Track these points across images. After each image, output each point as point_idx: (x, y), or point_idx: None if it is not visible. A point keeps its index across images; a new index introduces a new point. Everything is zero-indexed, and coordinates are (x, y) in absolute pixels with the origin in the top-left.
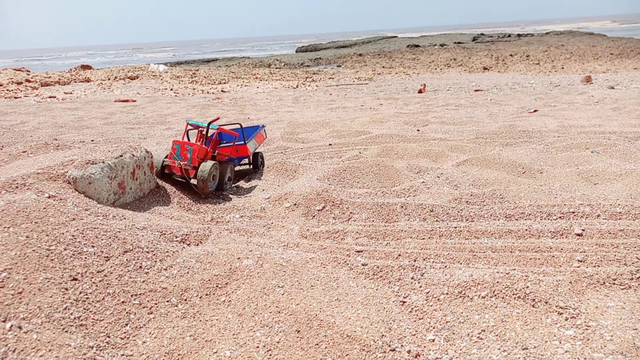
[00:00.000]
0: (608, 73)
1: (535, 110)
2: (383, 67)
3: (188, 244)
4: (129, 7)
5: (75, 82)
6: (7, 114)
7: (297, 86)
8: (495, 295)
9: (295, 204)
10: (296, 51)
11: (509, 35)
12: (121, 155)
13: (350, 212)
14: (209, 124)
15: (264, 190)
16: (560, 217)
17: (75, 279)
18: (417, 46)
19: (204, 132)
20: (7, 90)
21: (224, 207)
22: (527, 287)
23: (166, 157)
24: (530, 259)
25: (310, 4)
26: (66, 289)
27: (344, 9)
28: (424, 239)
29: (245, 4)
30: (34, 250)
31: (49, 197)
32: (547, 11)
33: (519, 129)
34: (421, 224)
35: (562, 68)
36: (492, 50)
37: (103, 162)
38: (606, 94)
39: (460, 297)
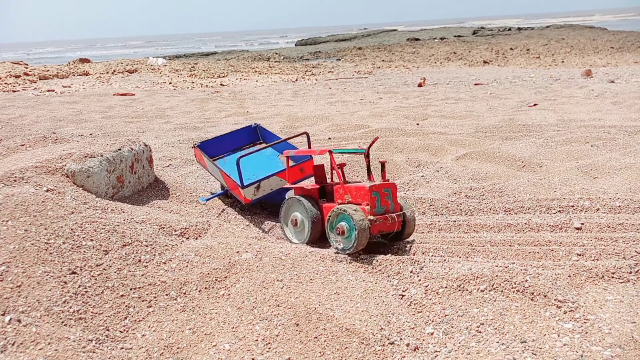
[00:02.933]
0: (608, 67)
1: (535, 104)
2: (383, 60)
3: (187, 238)
4: (128, 1)
5: (74, 75)
6: (5, 107)
7: (296, 80)
8: (494, 289)
9: None
10: (295, 44)
11: (510, 29)
12: (120, 149)
13: None
14: (368, 148)
15: None
16: (559, 211)
17: (74, 273)
18: (417, 40)
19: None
20: (5, 83)
21: (223, 201)
22: (526, 280)
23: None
24: (530, 252)
25: None
26: (65, 283)
27: (344, 2)
28: (423, 232)
29: None
30: (32, 244)
31: (47, 191)
32: (556, 4)
33: (519, 122)
34: (420, 218)
35: (563, 62)
36: (493, 43)
37: (101, 155)
38: (606, 88)
39: (459, 290)
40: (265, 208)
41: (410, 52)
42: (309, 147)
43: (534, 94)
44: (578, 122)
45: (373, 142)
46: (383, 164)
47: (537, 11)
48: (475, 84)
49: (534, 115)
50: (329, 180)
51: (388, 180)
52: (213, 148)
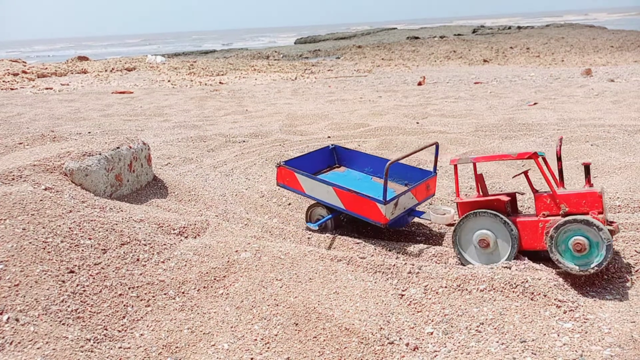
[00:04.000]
0: (608, 66)
1: (535, 103)
2: (382, 59)
3: (186, 237)
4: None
5: (72, 73)
6: (3, 105)
7: (295, 78)
8: (493, 289)
9: (293, 197)
10: (295, 43)
11: (509, 28)
12: (118, 147)
13: None
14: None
15: (262, 183)
16: None
17: (72, 272)
18: (417, 38)
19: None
20: (3, 81)
21: (222, 200)
22: (526, 280)
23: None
24: (529, 252)
25: None
26: (63, 282)
27: (344, 0)
28: (424, 231)
29: None
30: (30, 243)
31: (45, 189)
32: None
33: (519, 121)
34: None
35: (562, 61)
36: (492, 42)
37: (100, 154)
38: (606, 87)
39: (459, 290)
40: (263, 210)
41: (410, 51)
42: (436, 159)
43: (533, 93)
44: (578, 121)
45: (561, 143)
46: (588, 167)
47: (536, 10)
48: (475, 83)
49: (534, 114)
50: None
51: (593, 185)
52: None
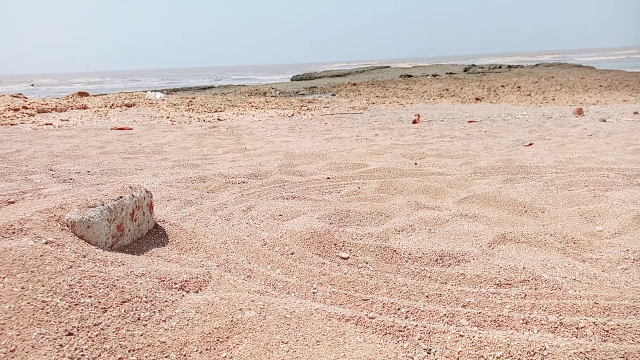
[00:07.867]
0: (598, 105)
1: (530, 144)
2: (377, 96)
3: (187, 291)
4: (126, 36)
5: (72, 109)
6: (2, 141)
7: (292, 115)
8: (510, 356)
9: (296, 245)
10: (291, 79)
11: (500, 67)
12: (121, 197)
13: (354, 255)
14: None
15: (263, 230)
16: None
17: (70, 334)
18: (410, 76)
19: None
20: (4, 117)
21: (223, 248)
22: (544, 347)
23: None
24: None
25: (304, 31)
26: (61, 345)
27: (337, 39)
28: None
29: (240, 31)
30: (28, 303)
31: (46, 243)
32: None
33: (516, 164)
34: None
35: (553, 99)
36: (484, 81)
37: (103, 204)
38: (599, 127)
39: (474, 358)
40: (271, 261)
41: (403, 89)
42: None
43: (528, 132)
44: (575, 164)
45: None
46: None
47: (528, 49)
48: (469, 122)
49: (531, 155)
50: None
51: None
52: None
